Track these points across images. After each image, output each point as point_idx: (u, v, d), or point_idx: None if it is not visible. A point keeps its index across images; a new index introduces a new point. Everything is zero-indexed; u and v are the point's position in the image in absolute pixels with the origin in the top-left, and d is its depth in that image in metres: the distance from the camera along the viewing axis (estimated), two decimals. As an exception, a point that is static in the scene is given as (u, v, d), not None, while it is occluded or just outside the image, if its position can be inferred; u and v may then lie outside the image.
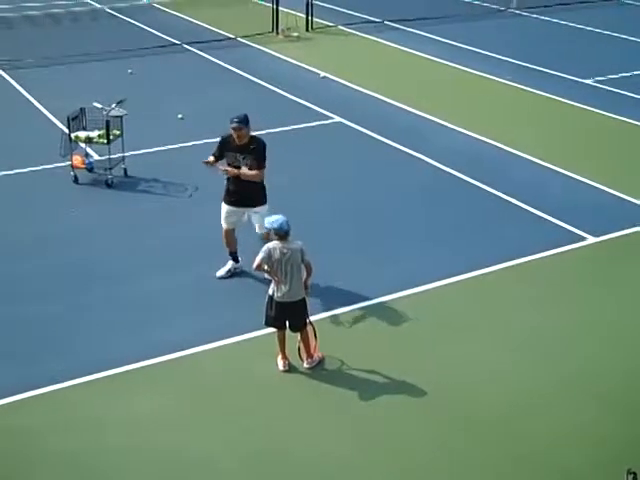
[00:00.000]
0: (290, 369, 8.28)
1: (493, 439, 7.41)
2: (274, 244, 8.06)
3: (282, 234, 8.03)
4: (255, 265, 8.10)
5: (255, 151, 9.45)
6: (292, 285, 8.05)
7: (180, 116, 14.61)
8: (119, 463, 7.09)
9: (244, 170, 9.43)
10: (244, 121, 9.36)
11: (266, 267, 8.06)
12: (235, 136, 9.41)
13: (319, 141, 14.52)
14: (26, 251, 10.56)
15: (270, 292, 8.17)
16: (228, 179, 9.64)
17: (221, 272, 9.90)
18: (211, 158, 9.65)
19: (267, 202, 9.66)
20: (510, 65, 18.99)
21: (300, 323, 8.24)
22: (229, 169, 9.48)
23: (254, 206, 9.59)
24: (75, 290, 9.68)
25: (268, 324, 8.32)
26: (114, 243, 10.79)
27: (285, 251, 8.01)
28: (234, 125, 9.34)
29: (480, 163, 13.38)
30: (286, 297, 8.07)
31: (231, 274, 9.91)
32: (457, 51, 20.24)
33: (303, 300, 8.19)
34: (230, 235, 9.85)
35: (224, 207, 9.75)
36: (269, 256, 8.02)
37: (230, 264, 9.93)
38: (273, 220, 8.06)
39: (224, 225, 9.78)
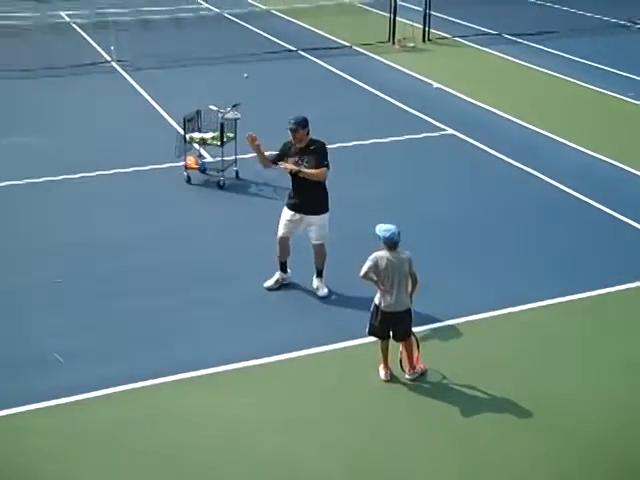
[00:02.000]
0: (392, 379, 8.19)
1: (595, 458, 7.16)
2: (382, 253, 7.97)
3: (392, 244, 7.93)
4: (362, 273, 8.01)
5: (315, 151, 9.38)
6: (398, 295, 7.95)
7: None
8: (213, 461, 7.14)
9: (304, 169, 9.34)
10: (301, 123, 9.32)
11: (373, 276, 7.98)
12: (291, 138, 9.37)
13: (430, 153, 14.38)
14: (138, 248, 10.80)
15: (376, 302, 8.08)
16: (293, 184, 9.56)
17: (269, 283, 9.80)
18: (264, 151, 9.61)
19: (328, 211, 9.57)
20: (633, 82, 18.41)
21: (404, 333, 8.14)
22: (288, 165, 9.37)
23: (315, 213, 9.51)
24: (181, 288, 9.83)
25: (372, 333, 8.23)
26: (223, 244, 10.93)
27: (393, 260, 7.92)
28: (290, 126, 9.32)
29: (597, 182, 12.98)
30: (392, 307, 7.97)
31: (279, 285, 9.81)
32: (577, 66, 19.75)
33: (409, 310, 8.09)
34: (285, 243, 9.71)
35: (285, 212, 9.66)
36: (376, 265, 7.94)
37: (278, 275, 9.82)
38: (385, 229, 7.95)
39: (280, 232, 9.64)
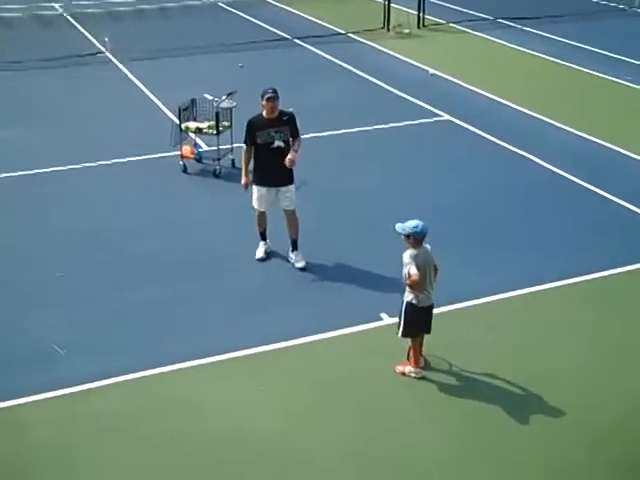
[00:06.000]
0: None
1: (597, 448, 7.14)
2: (414, 251, 7.64)
3: (421, 238, 7.65)
4: (416, 277, 7.51)
5: (289, 121, 9.65)
6: (431, 288, 7.77)
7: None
8: (215, 449, 7.12)
9: (295, 151, 9.59)
10: (277, 92, 9.55)
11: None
12: (268, 108, 9.53)
13: (427, 139, 14.34)
14: (135, 238, 10.76)
15: (412, 300, 7.73)
16: (264, 159, 9.68)
17: (260, 254, 10.08)
18: (244, 180, 9.91)
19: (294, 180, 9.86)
20: (630, 65, 18.36)
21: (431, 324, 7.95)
22: (293, 158, 9.55)
23: (288, 183, 9.74)
24: (178, 277, 9.80)
25: (409, 334, 7.88)
26: (220, 233, 10.89)
27: (424, 255, 7.69)
28: (270, 95, 9.50)
29: (592, 164, 12.95)
30: (428, 301, 7.77)
31: (268, 253, 10.12)
32: (573, 50, 19.70)
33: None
34: (263, 217, 10.05)
35: (259, 189, 9.85)
36: (417, 265, 7.59)
37: (263, 244, 10.14)
38: (414, 225, 7.61)
39: (260, 208, 9.95)
